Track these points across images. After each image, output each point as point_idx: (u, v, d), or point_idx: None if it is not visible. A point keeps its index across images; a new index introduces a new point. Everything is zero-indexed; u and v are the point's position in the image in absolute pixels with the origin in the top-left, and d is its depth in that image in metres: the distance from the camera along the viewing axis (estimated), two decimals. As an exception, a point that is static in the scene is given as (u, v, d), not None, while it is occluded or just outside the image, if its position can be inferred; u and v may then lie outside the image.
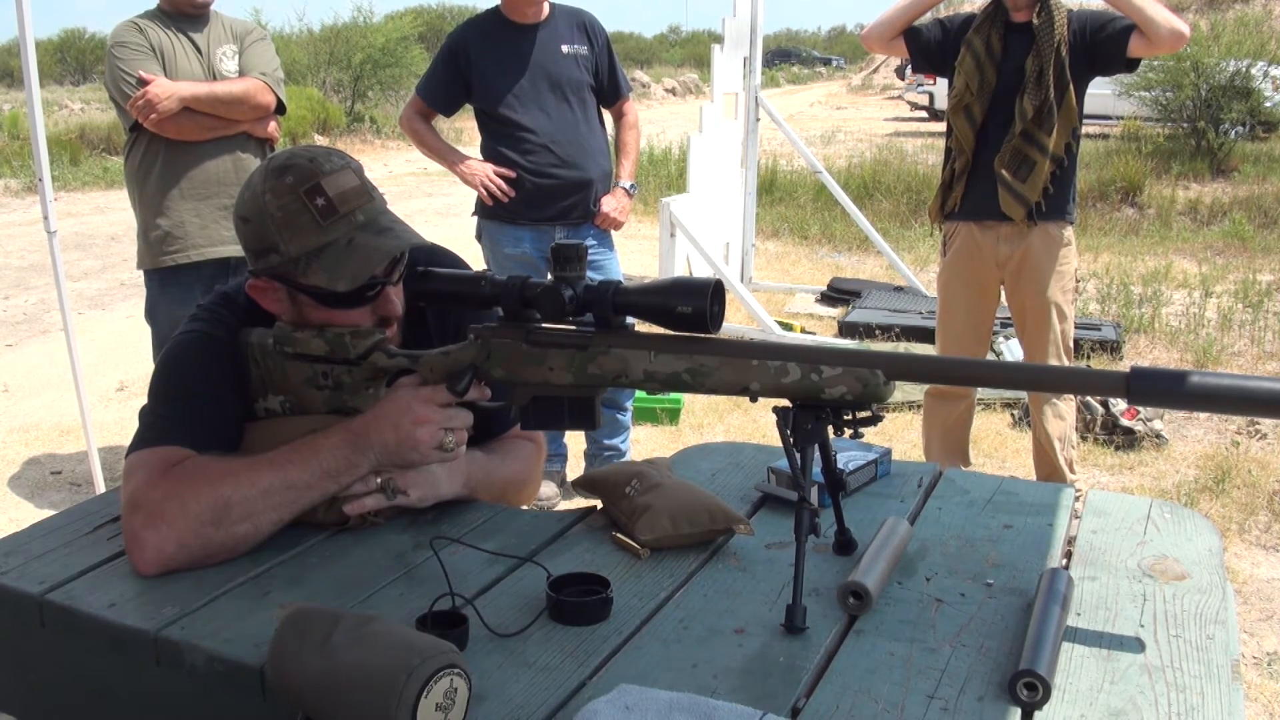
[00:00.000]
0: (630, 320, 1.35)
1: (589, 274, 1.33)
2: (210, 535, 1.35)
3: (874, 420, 1.24)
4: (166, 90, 3.15)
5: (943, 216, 3.36)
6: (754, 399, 1.26)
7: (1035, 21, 3.12)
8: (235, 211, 1.49)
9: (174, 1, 3.29)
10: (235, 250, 3.17)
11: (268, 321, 1.50)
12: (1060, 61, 3.09)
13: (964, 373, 1.49)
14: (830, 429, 1.25)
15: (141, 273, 3.40)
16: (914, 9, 3.30)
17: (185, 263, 3.26)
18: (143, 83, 3.15)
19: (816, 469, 1.31)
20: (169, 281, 3.29)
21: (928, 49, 3.34)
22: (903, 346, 5.38)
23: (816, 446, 1.26)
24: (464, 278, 1.40)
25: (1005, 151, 3.16)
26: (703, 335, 1.27)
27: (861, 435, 1.26)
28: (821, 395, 1.22)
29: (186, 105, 3.18)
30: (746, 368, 1.24)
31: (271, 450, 1.42)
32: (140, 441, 1.43)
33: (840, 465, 1.61)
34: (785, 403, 1.26)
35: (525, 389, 1.37)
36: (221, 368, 1.48)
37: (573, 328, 1.34)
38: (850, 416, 1.24)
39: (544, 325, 1.36)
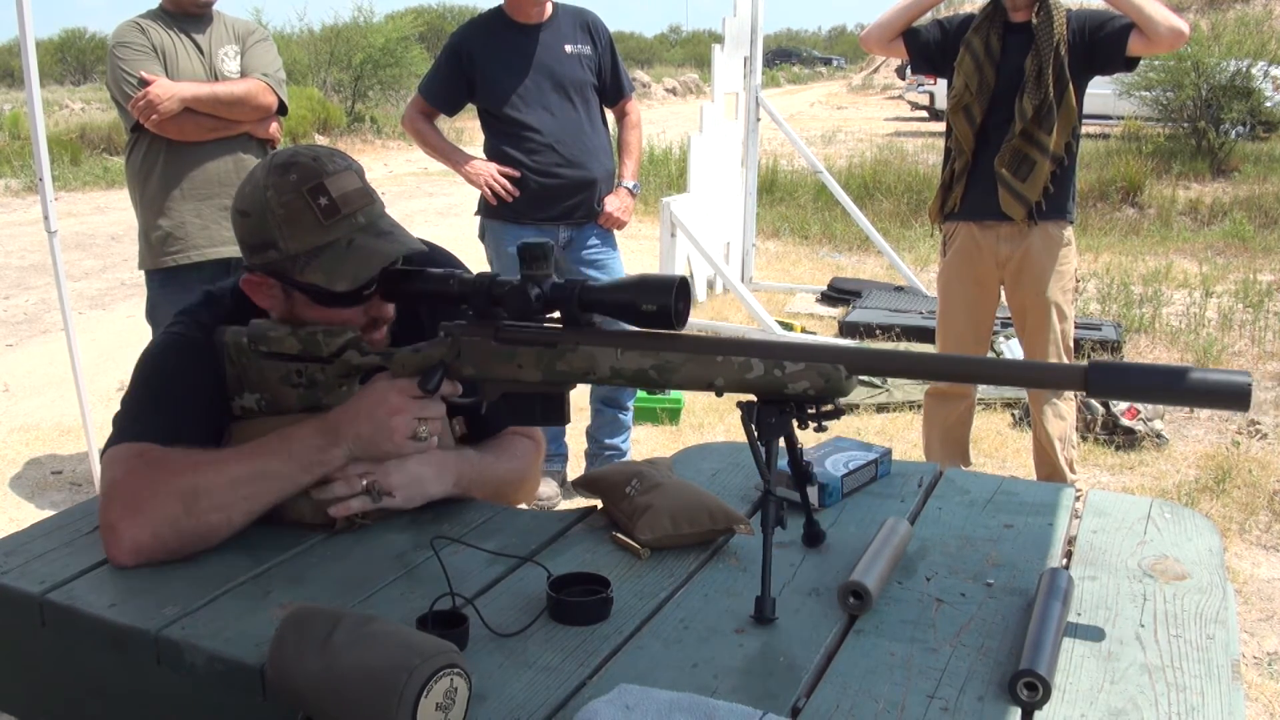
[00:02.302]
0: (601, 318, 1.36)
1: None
2: (183, 524, 1.36)
3: (836, 414, 1.25)
4: (168, 91, 3.15)
5: (942, 216, 3.36)
6: (719, 394, 1.27)
7: (1034, 21, 3.12)
8: (234, 205, 1.49)
9: (176, 1, 3.30)
10: (236, 251, 3.15)
11: (256, 317, 1.51)
12: (1059, 61, 3.09)
13: (926, 367, 1.46)
14: (795, 423, 1.26)
15: (142, 273, 3.40)
16: (913, 10, 3.30)
17: (186, 263, 3.27)
18: (144, 83, 3.15)
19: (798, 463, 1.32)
20: (170, 282, 3.29)
21: (927, 50, 3.34)
22: (903, 346, 5.38)
23: (782, 440, 1.27)
24: (433, 276, 1.41)
25: (1005, 151, 3.16)
26: (668, 332, 1.27)
27: (825, 429, 1.27)
28: (785, 390, 1.23)
29: (188, 106, 3.18)
30: (711, 364, 1.25)
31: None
32: (116, 437, 1.45)
33: (841, 465, 1.61)
34: (751, 398, 1.26)
35: (495, 385, 1.38)
36: (198, 367, 1.48)
37: (543, 325, 1.35)
38: (814, 410, 1.25)
39: (513, 323, 1.36)
